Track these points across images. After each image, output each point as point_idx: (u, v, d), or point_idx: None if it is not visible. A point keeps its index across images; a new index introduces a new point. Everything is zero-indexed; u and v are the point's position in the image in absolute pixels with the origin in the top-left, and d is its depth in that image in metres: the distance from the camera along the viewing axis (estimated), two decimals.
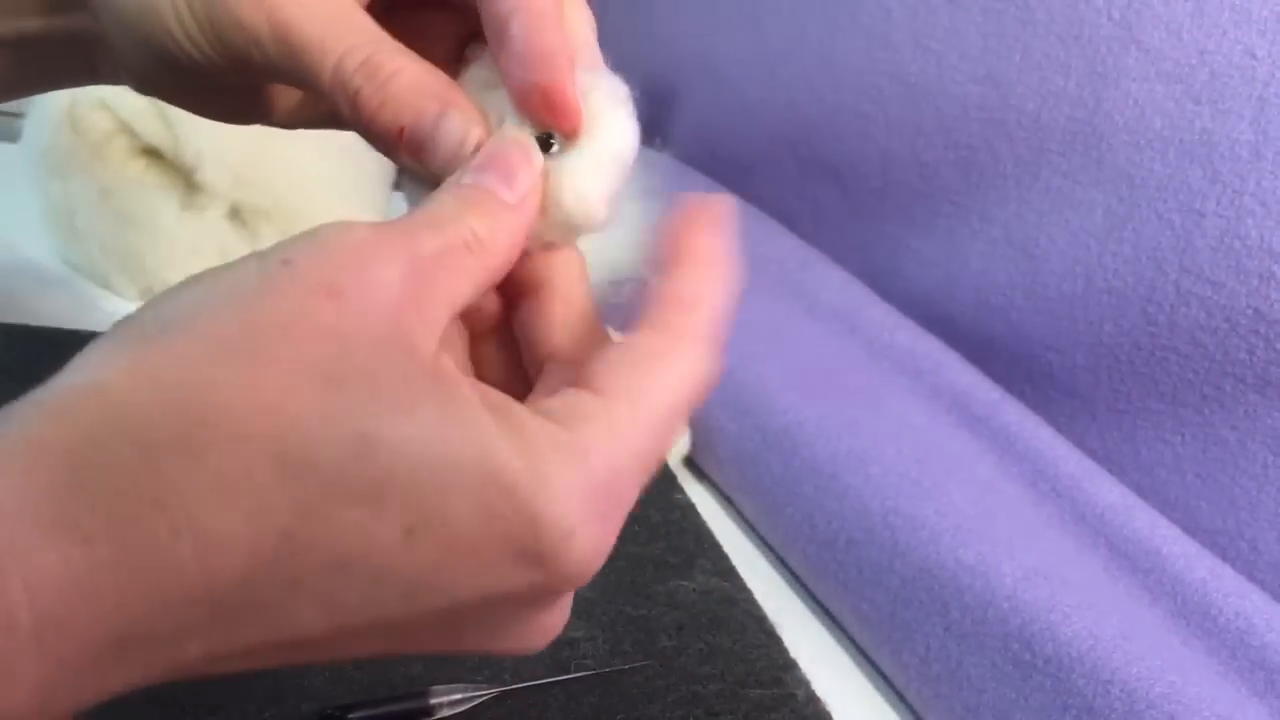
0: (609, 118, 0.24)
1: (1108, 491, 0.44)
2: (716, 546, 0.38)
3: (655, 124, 0.88)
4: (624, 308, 0.68)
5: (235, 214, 0.57)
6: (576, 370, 0.21)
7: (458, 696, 0.30)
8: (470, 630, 0.19)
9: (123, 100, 0.54)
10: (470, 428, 0.18)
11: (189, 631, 0.17)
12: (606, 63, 0.26)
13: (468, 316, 0.25)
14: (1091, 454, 0.48)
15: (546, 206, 0.23)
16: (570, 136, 0.23)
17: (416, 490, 0.17)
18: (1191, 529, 0.44)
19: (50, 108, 0.56)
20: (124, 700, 0.20)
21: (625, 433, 0.19)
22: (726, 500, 0.54)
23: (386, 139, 0.24)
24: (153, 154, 0.55)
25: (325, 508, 0.17)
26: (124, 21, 0.25)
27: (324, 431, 0.16)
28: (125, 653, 0.16)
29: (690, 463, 0.56)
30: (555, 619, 0.21)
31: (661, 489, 0.41)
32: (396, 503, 0.17)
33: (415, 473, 0.17)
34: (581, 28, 0.26)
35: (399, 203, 0.91)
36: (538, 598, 0.19)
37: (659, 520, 0.38)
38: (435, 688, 0.30)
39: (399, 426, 0.17)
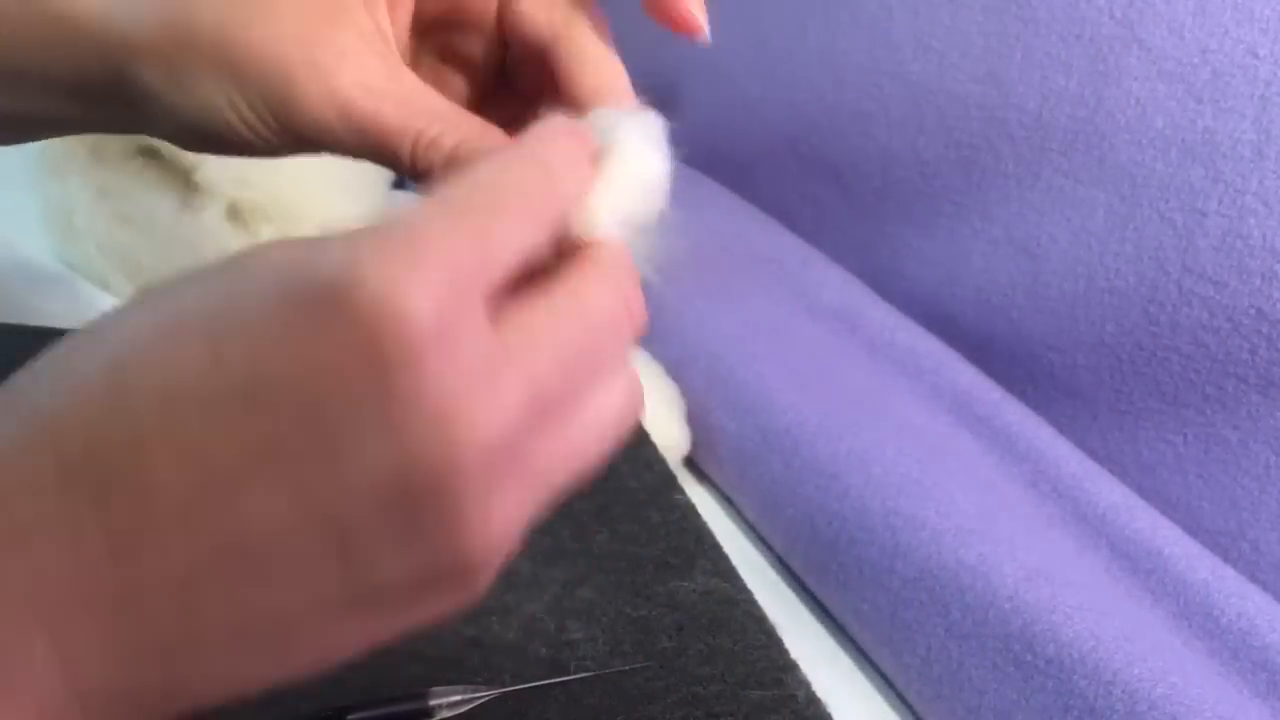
0: (624, 148, 0.24)
1: (1109, 492, 0.43)
2: (717, 547, 0.38)
3: None
4: None
5: (234, 213, 0.57)
6: None
7: (457, 698, 0.30)
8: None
9: None
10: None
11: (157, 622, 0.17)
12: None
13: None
14: (1093, 454, 0.48)
15: None
16: None
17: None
18: (1193, 529, 0.44)
19: None
20: None
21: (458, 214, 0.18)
22: (727, 500, 0.54)
23: None
24: (151, 153, 0.55)
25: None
26: (173, 114, 0.25)
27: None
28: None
29: (690, 463, 0.56)
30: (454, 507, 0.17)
31: (661, 489, 0.41)
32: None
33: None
34: (605, 64, 0.27)
35: (399, 202, 0.90)
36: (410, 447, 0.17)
37: (659, 521, 0.38)
38: (435, 689, 0.30)
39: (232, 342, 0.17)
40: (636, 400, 0.21)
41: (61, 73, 0.26)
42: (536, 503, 0.19)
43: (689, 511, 0.39)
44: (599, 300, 0.20)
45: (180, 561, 0.17)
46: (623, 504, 0.38)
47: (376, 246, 0.17)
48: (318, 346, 0.16)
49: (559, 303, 0.19)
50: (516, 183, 0.19)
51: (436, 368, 0.17)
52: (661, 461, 0.43)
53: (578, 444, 0.19)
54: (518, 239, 0.19)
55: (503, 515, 0.18)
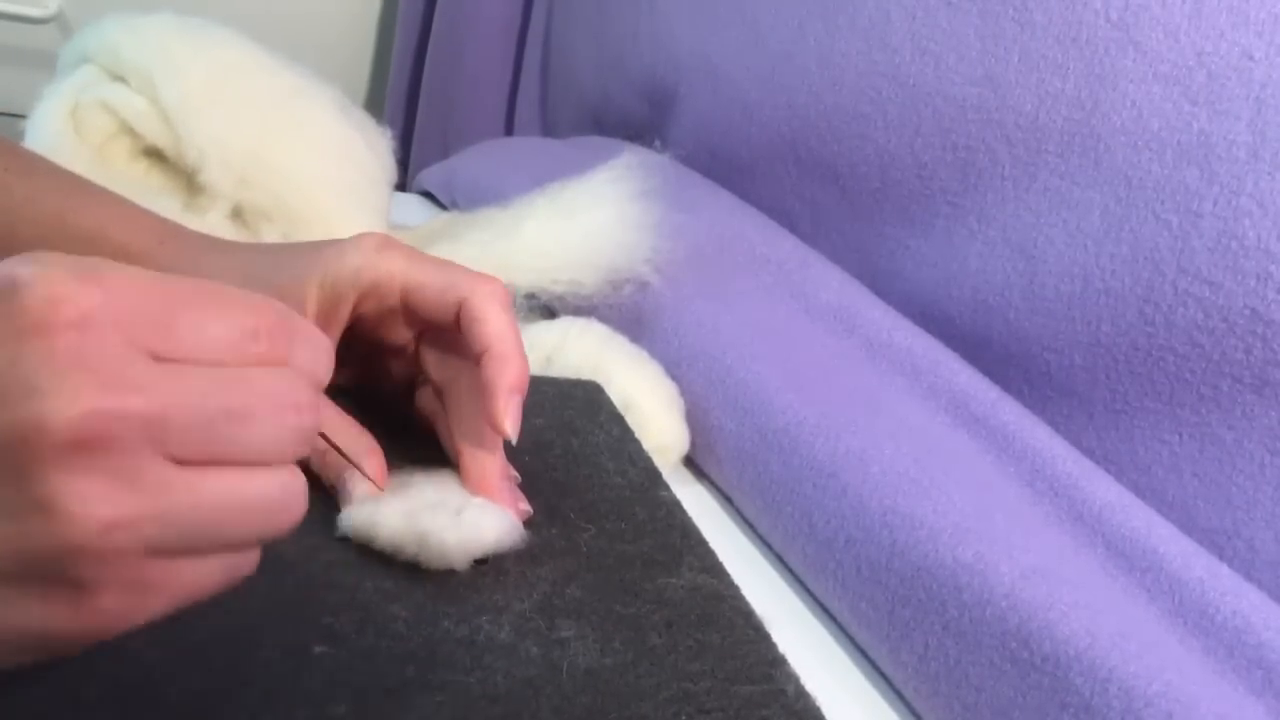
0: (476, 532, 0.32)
1: (1105, 490, 0.44)
2: (703, 543, 0.38)
3: (655, 124, 0.88)
4: (624, 308, 0.68)
5: (237, 214, 0.57)
6: None
7: None
8: None
9: (125, 102, 0.55)
10: None
11: None
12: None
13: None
14: (1089, 453, 0.48)
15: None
16: None
17: None
18: (1188, 528, 0.44)
19: (53, 110, 0.56)
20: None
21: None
22: (725, 499, 0.54)
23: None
24: (155, 155, 0.56)
25: None
26: None
27: None
28: None
29: (689, 462, 0.56)
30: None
31: (647, 486, 0.41)
32: None
33: None
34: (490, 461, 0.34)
35: (401, 204, 0.91)
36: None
37: (645, 518, 0.38)
38: None
39: None
40: (291, 501, 0.22)
41: None
42: (162, 531, 0.20)
43: (675, 508, 0.39)
44: (266, 384, 0.21)
45: None
46: (609, 501, 0.39)
47: (65, 263, 0.20)
48: None
49: (226, 372, 0.21)
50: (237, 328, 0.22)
51: (57, 347, 0.19)
52: (646, 458, 0.43)
53: (207, 496, 0.20)
54: (202, 336, 0.21)
55: (100, 505, 0.19)
